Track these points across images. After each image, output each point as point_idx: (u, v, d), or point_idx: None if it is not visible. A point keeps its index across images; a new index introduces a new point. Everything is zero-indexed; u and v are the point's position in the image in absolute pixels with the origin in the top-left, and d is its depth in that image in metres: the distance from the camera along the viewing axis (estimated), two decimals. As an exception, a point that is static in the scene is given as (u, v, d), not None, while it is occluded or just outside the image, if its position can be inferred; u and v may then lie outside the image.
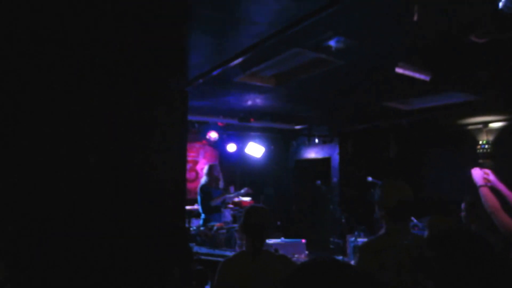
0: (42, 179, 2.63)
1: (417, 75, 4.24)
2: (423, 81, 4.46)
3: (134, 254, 2.81)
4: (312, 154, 9.63)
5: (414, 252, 2.21)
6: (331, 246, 8.00)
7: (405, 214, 2.33)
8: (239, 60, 3.13)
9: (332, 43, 3.37)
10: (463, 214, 3.29)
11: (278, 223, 8.94)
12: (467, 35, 3.29)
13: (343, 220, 6.24)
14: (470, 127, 7.04)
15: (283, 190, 9.96)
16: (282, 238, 6.64)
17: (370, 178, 5.93)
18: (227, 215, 6.01)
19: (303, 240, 6.73)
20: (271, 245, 5.89)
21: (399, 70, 4.06)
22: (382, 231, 2.36)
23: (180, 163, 3.15)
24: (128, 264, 2.78)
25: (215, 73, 3.73)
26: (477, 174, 2.92)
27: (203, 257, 3.94)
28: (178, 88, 3.20)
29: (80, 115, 2.79)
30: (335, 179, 8.88)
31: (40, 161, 2.64)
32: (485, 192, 2.79)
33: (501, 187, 2.82)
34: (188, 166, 9.10)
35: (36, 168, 2.61)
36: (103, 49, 2.88)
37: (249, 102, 6.47)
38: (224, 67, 3.12)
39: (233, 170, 7.56)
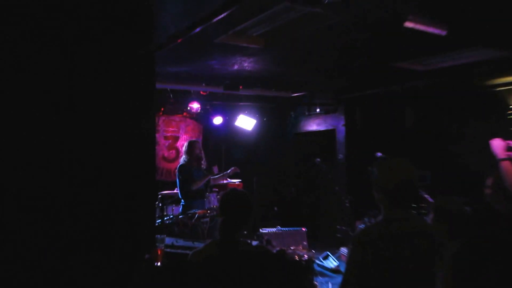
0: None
1: (431, 30, 4.25)
2: (440, 36, 4.47)
3: (84, 255, 2.89)
4: (313, 126, 9.69)
5: (418, 242, 2.28)
6: (338, 235, 8.14)
7: (406, 198, 2.35)
8: (220, 17, 3.12)
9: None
10: (487, 191, 3.10)
11: (275, 209, 9.08)
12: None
13: (347, 204, 6.32)
14: (499, 88, 7.07)
15: (279, 169, 10.08)
16: (278, 227, 6.75)
17: (379, 154, 5.98)
18: (213, 200, 6.07)
19: (304, 229, 6.87)
20: (263, 235, 6.01)
21: (409, 25, 4.08)
22: (380, 217, 2.40)
23: (146, 140, 3.20)
24: (77, 268, 2.86)
25: (191, 33, 3.73)
26: (498, 145, 2.90)
27: (179, 250, 4.02)
28: (144, 52, 3.22)
29: (22, 85, 2.82)
30: (340, 156, 8.96)
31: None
32: (507, 167, 2.79)
33: None
34: (167, 143, 9.17)
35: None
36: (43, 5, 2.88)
37: (236, 67, 6.48)
38: (202, 26, 3.11)
39: (219, 147, 7.61)
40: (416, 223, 2.38)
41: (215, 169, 6.48)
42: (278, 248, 5.39)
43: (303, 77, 7.41)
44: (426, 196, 5.71)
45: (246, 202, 2.75)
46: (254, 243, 5.52)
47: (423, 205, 5.84)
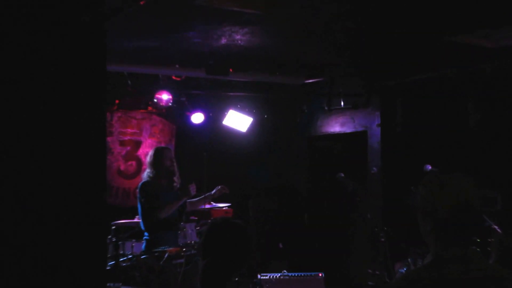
0: None
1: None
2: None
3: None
4: (335, 126, 9.70)
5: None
6: (369, 283, 8.13)
7: (466, 230, 2.36)
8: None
9: None
10: None
11: (280, 245, 9.05)
12: None
13: (382, 238, 6.33)
14: None
15: (286, 189, 10.05)
16: (284, 272, 6.74)
17: (429, 167, 5.98)
18: (190, 233, 6.07)
19: (321, 274, 6.85)
20: (263, 283, 6.00)
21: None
22: (429, 258, 2.39)
23: (92, 147, 3.18)
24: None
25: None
26: None
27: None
28: (90, 20, 3.21)
29: None
30: (374, 169, 8.96)
31: None
32: None
33: None
34: (124, 150, 9.17)
35: None
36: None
37: (224, 41, 6.48)
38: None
39: (200, 156, 7.55)
40: (482, 266, 2.38)
41: (193, 188, 6.43)
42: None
43: (321, 56, 7.42)
44: (494, 227, 5.71)
45: (242, 238, 2.75)
46: (250, 294, 5.53)
47: (490, 240, 5.83)
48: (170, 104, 8.70)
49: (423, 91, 8.39)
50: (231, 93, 9.12)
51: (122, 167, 9.15)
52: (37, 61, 3.06)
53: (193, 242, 5.94)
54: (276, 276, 6.63)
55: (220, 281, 2.68)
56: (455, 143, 7.95)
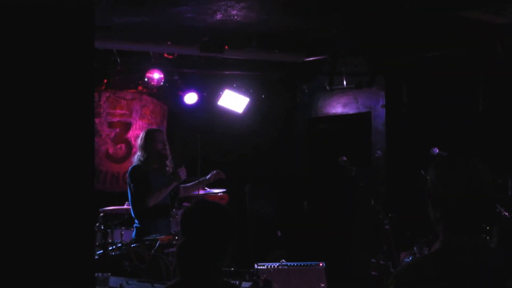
0: None
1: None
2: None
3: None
4: (337, 107, 9.69)
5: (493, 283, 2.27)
6: (373, 273, 8.15)
7: (476, 216, 2.35)
8: None
9: None
10: None
11: (279, 233, 9.06)
12: None
13: (386, 226, 6.33)
14: None
15: (285, 173, 10.07)
16: (283, 261, 6.75)
17: (436, 150, 5.98)
18: (183, 220, 6.06)
19: (321, 264, 6.87)
20: (260, 272, 6.00)
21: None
22: (436, 246, 2.39)
23: (78, 129, 3.17)
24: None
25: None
26: None
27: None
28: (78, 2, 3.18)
29: None
30: (378, 153, 8.96)
31: None
32: None
33: None
34: (113, 133, 9.16)
35: None
36: None
37: (219, 16, 6.46)
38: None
39: (193, 139, 7.53)
40: (491, 256, 2.38)
41: (182, 172, 6.38)
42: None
43: (322, 32, 7.39)
44: (505, 213, 5.73)
45: (223, 220, 2.76)
46: (246, 284, 5.52)
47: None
48: (161, 83, 8.66)
49: (430, 70, 8.38)
50: (227, 72, 9.10)
51: (110, 151, 9.12)
52: (20, 38, 3.04)
53: (185, 230, 5.92)
54: (274, 266, 6.64)
55: (198, 263, 2.68)
56: (464, 125, 7.95)
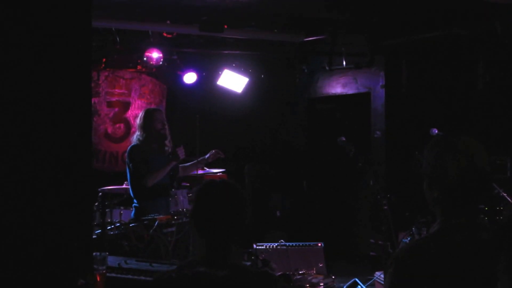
0: None
1: None
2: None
3: None
4: (336, 87, 9.68)
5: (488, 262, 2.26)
6: (371, 253, 8.20)
7: (473, 196, 2.34)
8: None
9: None
10: None
11: (278, 213, 9.09)
12: None
13: (385, 206, 6.34)
14: None
15: (284, 153, 10.07)
16: (281, 241, 6.77)
17: (435, 131, 5.97)
18: (182, 200, 6.07)
19: (320, 244, 6.91)
20: (258, 252, 6.02)
21: None
22: (435, 226, 2.38)
23: (76, 108, 3.16)
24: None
25: None
26: None
27: (129, 276, 4.03)
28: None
29: None
30: (378, 133, 8.97)
31: None
32: None
33: None
34: (112, 112, 9.16)
35: None
36: None
37: (218, -6, 6.42)
38: None
39: (193, 118, 7.51)
40: (489, 235, 2.34)
41: (181, 152, 6.38)
42: (280, 273, 5.39)
43: (321, 11, 7.36)
44: (503, 194, 5.72)
45: (238, 198, 2.75)
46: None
47: (499, 208, 5.84)
48: (160, 63, 8.64)
49: (430, 50, 8.36)
50: (226, 52, 9.06)
51: (109, 130, 9.13)
52: (17, 18, 3.03)
53: (184, 209, 5.92)
54: (272, 246, 6.66)
55: (223, 248, 2.69)
56: (463, 106, 7.95)
